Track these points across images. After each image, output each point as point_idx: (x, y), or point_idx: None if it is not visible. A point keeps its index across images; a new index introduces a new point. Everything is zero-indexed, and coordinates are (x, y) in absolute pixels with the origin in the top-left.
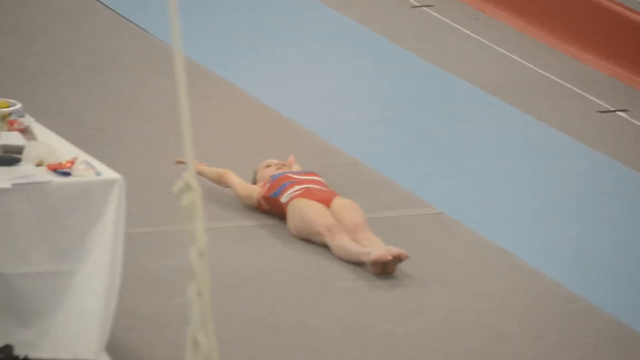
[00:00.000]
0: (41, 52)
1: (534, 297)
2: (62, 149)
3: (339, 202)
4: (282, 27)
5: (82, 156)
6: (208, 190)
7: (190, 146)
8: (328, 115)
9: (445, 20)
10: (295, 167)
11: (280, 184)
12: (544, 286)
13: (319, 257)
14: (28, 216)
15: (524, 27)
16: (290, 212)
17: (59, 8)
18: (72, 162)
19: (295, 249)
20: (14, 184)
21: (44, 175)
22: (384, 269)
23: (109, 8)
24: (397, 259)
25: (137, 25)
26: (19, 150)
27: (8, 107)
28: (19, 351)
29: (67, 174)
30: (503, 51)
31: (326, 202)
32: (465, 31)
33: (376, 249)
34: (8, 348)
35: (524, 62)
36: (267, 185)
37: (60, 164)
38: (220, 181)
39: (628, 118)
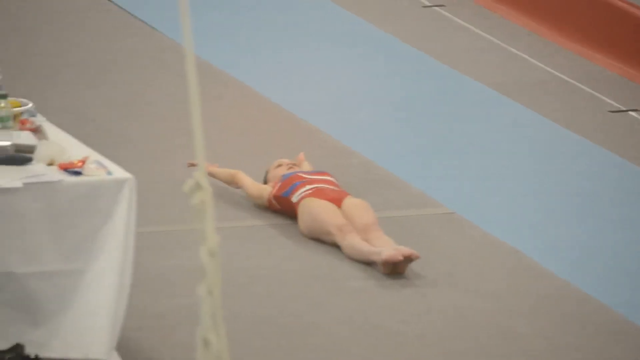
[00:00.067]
0: (52, 51)
1: (545, 297)
2: (73, 149)
3: (350, 201)
4: (293, 27)
5: (93, 155)
6: (218, 189)
7: (201, 146)
8: (339, 115)
9: (457, 20)
10: (306, 166)
11: (291, 183)
12: (555, 286)
13: (329, 256)
14: (39, 215)
15: (535, 27)
16: (301, 211)
17: (70, 7)
18: (83, 162)
19: (306, 248)
20: (25, 183)
21: (55, 174)
22: (395, 269)
23: (120, 7)
24: (408, 259)
25: (148, 24)
26: (31, 149)
27: (20, 106)
28: (29, 350)
29: (78, 173)
30: (514, 51)
31: (337, 201)
32: (476, 31)
33: (387, 248)
34: (19, 347)
35: (535, 62)
36: (278, 185)
37: (71, 163)
38: (232, 182)
39: (639, 117)
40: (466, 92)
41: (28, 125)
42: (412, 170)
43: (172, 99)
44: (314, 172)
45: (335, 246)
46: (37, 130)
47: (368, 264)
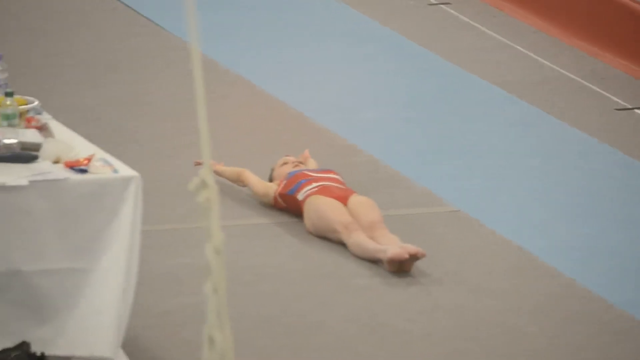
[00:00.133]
0: (59, 49)
1: (551, 296)
2: (79, 146)
3: (355, 199)
4: (300, 26)
5: (99, 153)
6: (224, 187)
7: (207, 144)
8: (346, 114)
9: (462, 18)
10: (312, 163)
11: (296, 181)
12: (560, 284)
13: (335, 254)
14: (45, 213)
15: (541, 25)
16: (306, 209)
17: (77, 6)
18: (89, 160)
19: (312, 246)
20: (31, 181)
21: (60, 172)
22: (401, 267)
23: (126, 5)
24: (414, 257)
25: (155, 23)
26: (36, 147)
27: (26, 104)
28: (35, 348)
29: (84, 171)
30: (520, 49)
31: (343, 199)
32: (483, 29)
33: (393, 246)
34: (25, 345)
35: (541, 60)
36: (284, 183)
37: (77, 161)
38: (238, 180)
39: None
40: (472, 90)
41: (34, 123)
42: (418, 168)
43: (178, 98)
44: (320, 170)
45: (341, 244)
46: (43, 128)
47: (374, 261)
